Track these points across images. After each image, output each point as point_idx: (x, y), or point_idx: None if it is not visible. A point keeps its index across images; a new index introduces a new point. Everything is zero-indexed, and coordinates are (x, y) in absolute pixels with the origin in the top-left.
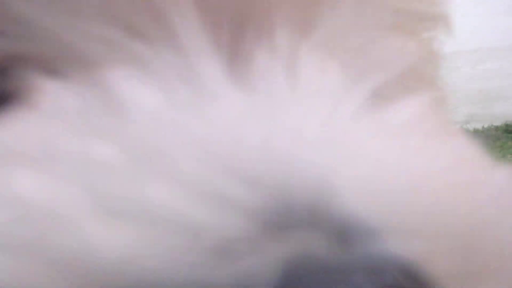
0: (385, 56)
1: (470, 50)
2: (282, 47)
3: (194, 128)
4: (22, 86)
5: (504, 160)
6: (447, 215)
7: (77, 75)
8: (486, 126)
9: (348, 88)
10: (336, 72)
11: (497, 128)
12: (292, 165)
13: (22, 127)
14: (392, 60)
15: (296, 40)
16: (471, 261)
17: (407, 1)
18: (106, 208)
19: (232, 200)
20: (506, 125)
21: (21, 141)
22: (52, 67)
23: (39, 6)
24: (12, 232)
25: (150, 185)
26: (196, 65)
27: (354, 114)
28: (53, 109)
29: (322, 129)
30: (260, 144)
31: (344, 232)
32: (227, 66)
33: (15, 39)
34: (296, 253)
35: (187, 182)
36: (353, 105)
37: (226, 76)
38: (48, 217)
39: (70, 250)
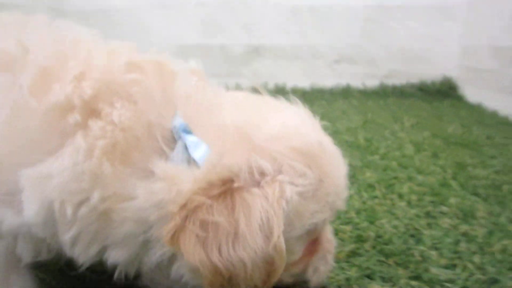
0: None
1: (395, 6)
2: None
3: None
4: None
5: (410, 114)
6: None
7: None
8: (404, 83)
9: None
10: None
11: (412, 86)
12: None
13: None
14: None
15: None
16: None
17: None
18: None
19: None
20: (421, 83)
21: None
22: None
23: None
24: None
25: None
26: None
27: None
28: None
29: None
30: None
31: None
32: None
33: None
34: None
35: None
36: None
37: None
38: None
39: None
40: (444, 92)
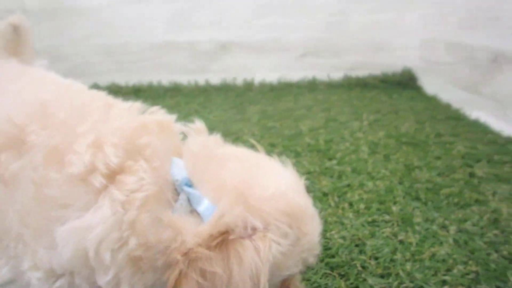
0: None
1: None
2: None
3: None
4: None
5: (370, 109)
6: None
7: None
8: (366, 74)
9: None
10: None
11: (375, 77)
12: None
13: None
14: None
15: None
16: None
17: None
18: None
19: None
20: (383, 75)
21: None
22: None
23: None
24: None
25: None
26: None
27: None
28: None
29: None
30: None
31: None
32: None
33: None
34: None
35: None
36: None
37: None
38: None
39: None
40: (404, 84)
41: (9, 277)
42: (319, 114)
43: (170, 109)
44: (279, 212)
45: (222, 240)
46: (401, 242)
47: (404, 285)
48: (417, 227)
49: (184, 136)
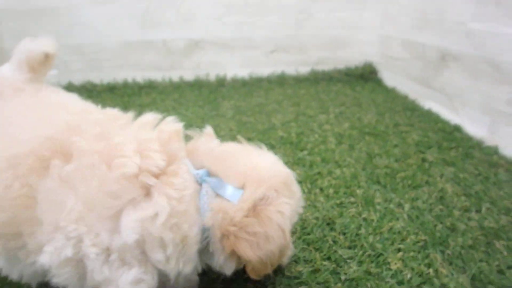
0: None
1: None
2: None
3: None
4: None
5: (335, 103)
6: None
7: None
8: (331, 68)
9: None
10: None
11: (339, 71)
12: None
13: None
14: None
15: None
16: None
17: None
18: None
19: None
20: (347, 69)
21: None
22: None
23: None
24: None
25: None
26: None
27: None
28: None
29: None
30: None
31: None
32: None
33: None
34: None
35: None
36: None
37: None
38: None
39: None
40: (366, 77)
41: (71, 255)
42: (289, 108)
43: (147, 106)
44: (281, 184)
45: (255, 211)
46: (364, 219)
47: (367, 253)
48: (377, 207)
49: (188, 138)
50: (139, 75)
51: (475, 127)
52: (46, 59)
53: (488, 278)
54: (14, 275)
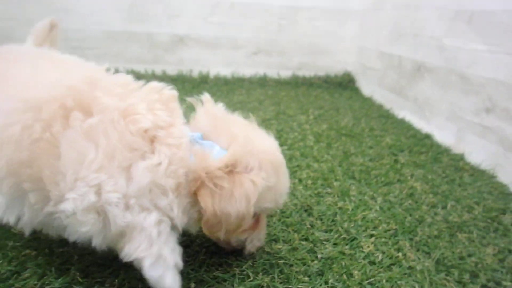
0: None
1: (305, 7)
2: None
3: None
4: None
5: (314, 106)
6: None
7: None
8: (312, 75)
9: None
10: None
11: (319, 78)
12: None
13: None
14: None
15: None
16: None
17: None
18: None
19: None
20: (326, 76)
21: None
22: None
23: None
24: None
25: None
26: None
27: None
28: None
29: None
30: None
31: None
32: None
33: None
34: None
35: None
36: None
37: None
38: None
39: None
40: (344, 85)
41: (94, 201)
42: (270, 107)
43: None
44: (268, 162)
45: (231, 170)
46: (340, 208)
47: (342, 236)
48: (352, 198)
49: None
50: (122, 66)
51: (443, 135)
52: (52, 28)
53: (451, 263)
54: (11, 218)
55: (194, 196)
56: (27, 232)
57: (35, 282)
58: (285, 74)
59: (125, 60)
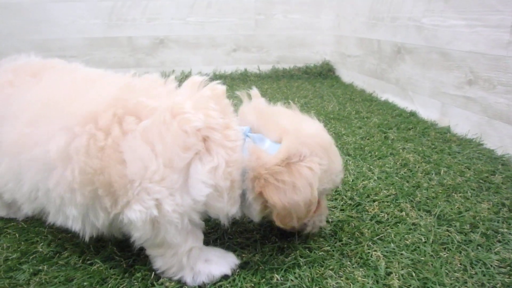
0: None
1: (280, 1)
2: None
3: None
4: None
5: (299, 96)
6: None
7: None
8: (291, 67)
9: None
10: None
11: (299, 69)
12: None
13: None
14: None
15: None
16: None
17: None
18: None
19: None
20: (306, 67)
21: None
22: None
23: None
24: None
25: None
26: None
27: None
28: None
29: None
30: None
31: None
32: None
33: None
34: None
35: None
36: None
37: None
38: None
39: None
40: (324, 74)
41: (155, 215)
42: None
43: None
44: (318, 145)
45: (287, 163)
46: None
47: (348, 203)
48: (351, 171)
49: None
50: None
51: (428, 112)
52: None
53: (451, 217)
54: (78, 226)
55: (258, 194)
56: (88, 237)
57: (77, 259)
58: (265, 68)
59: (108, 66)
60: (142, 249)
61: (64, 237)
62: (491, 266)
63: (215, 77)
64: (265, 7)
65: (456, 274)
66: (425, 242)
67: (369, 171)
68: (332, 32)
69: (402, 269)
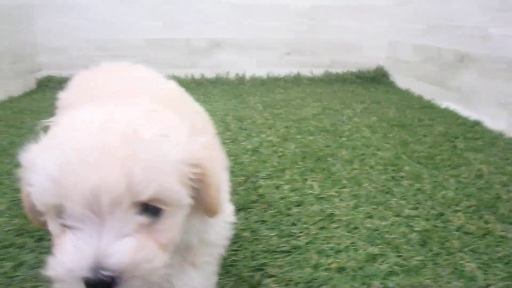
0: None
1: (334, 6)
2: None
3: None
4: None
5: (356, 100)
6: None
7: None
8: (344, 71)
9: None
10: None
11: (352, 73)
12: None
13: None
14: None
15: None
16: None
17: None
18: None
19: None
20: (359, 71)
21: None
22: None
23: None
24: None
25: None
26: None
27: None
28: None
29: None
30: None
31: None
32: None
33: None
34: None
35: None
36: None
37: None
38: None
39: None
40: (378, 79)
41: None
42: (313, 104)
43: None
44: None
45: None
46: (418, 189)
47: (431, 213)
48: (426, 180)
49: None
50: (161, 72)
51: (494, 122)
52: None
53: None
54: None
55: None
56: None
57: None
58: (318, 72)
59: (162, 67)
60: None
61: None
62: None
63: (269, 80)
64: (318, 12)
65: None
66: None
67: (444, 180)
68: (385, 37)
69: (500, 282)
